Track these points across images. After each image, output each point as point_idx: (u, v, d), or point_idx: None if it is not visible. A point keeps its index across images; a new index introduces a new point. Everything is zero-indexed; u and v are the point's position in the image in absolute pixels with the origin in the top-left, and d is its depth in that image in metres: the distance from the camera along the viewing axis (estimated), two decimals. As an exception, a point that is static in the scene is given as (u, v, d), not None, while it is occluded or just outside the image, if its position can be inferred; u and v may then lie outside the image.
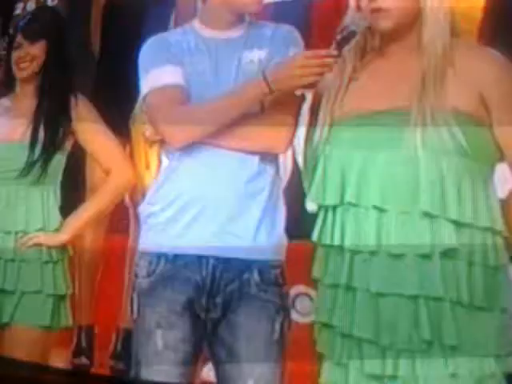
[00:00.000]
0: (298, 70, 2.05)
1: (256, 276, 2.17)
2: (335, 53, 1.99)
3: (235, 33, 2.25)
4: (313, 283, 2.08)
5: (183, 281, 2.17)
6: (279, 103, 2.16)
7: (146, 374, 2.23)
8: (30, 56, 2.79)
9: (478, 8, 2.93)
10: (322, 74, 2.03)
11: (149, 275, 2.21)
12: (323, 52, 2.02)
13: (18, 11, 3.67)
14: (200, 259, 2.16)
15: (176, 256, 2.18)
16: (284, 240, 2.25)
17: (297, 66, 2.05)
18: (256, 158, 2.17)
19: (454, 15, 1.95)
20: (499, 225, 1.90)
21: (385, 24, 1.93)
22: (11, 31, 3.28)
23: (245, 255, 2.16)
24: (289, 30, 2.27)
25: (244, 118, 2.15)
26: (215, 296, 2.17)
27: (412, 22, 1.94)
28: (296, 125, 2.19)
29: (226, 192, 2.15)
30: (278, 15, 3.14)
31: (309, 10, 3.31)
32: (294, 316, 2.76)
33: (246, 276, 2.16)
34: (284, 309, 2.21)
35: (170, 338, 2.17)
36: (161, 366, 2.18)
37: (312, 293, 2.59)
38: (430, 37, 1.91)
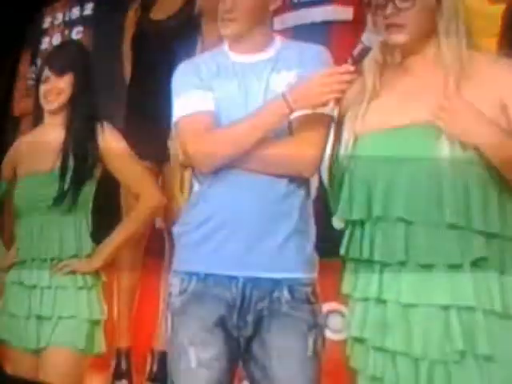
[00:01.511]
0: (317, 88, 2.05)
1: (286, 294, 2.15)
2: (352, 69, 2.00)
3: (265, 55, 2.24)
4: (344, 300, 2.06)
5: (214, 299, 2.16)
6: (307, 124, 2.14)
7: None
8: (57, 89, 2.80)
9: (496, 22, 2.90)
10: (341, 91, 2.03)
11: (181, 293, 2.20)
12: (341, 69, 2.03)
13: (44, 45, 3.71)
14: (230, 278, 2.15)
15: (207, 275, 2.17)
16: (315, 258, 2.23)
17: (316, 84, 2.05)
18: (284, 180, 2.16)
19: (470, 28, 1.94)
20: None
21: (399, 39, 1.93)
22: (38, 64, 3.32)
23: (274, 274, 2.14)
24: (318, 51, 2.25)
25: (272, 141, 2.14)
26: (246, 314, 2.15)
27: (428, 36, 1.94)
28: (325, 146, 2.16)
29: (254, 213, 2.14)
30: (297, 39, 3.13)
31: (328, 32, 3.30)
32: (327, 333, 2.71)
33: (276, 294, 2.15)
34: (317, 326, 2.18)
35: (204, 355, 2.15)
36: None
37: (344, 309, 2.55)
38: (447, 50, 1.90)
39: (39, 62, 3.61)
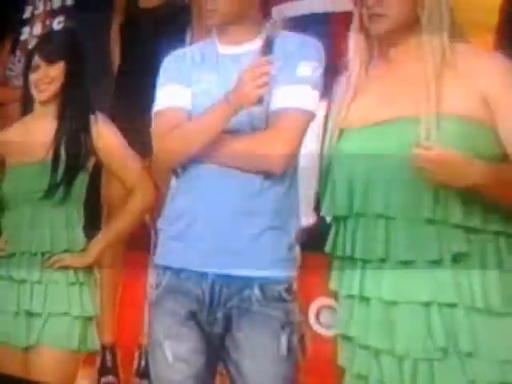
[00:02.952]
0: (249, 84, 2.16)
1: (257, 292, 2.26)
2: (269, 59, 2.15)
3: (250, 47, 2.34)
4: (335, 295, 2.15)
5: (185, 294, 2.30)
6: (283, 119, 2.25)
7: None
8: (49, 78, 2.89)
9: (493, 16, 3.07)
10: (267, 84, 2.16)
11: (156, 287, 2.36)
12: (259, 61, 2.17)
13: (25, 35, 3.80)
14: (201, 274, 2.28)
15: (179, 270, 2.31)
16: (292, 256, 2.33)
17: (247, 80, 2.16)
18: (259, 177, 2.27)
19: (455, 19, 2.04)
20: None
21: (380, 28, 2.03)
22: (19, 53, 3.44)
23: (244, 272, 2.26)
24: (303, 43, 2.33)
25: (244, 136, 2.26)
26: (216, 311, 2.28)
27: (411, 26, 2.03)
28: (298, 143, 2.27)
29: (227, 210, 2.25)
30: (297, 29, 3.29)
31: (327, 22, 3.44)
32: (318, 329, 2.87)
33: (246, 292, 2.26)
34: (291, 324, 2.28)
35: (179, 349, 2.29)
36: (173, 378, 2.30)
37: (335, 305, 2.70)
38: (428, 42, 1.99)
39: (18, 51, 3.73)
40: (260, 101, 2.19)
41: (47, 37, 3.35)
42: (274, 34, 2.19)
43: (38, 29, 3.81)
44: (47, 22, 3.81)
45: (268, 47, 2.17)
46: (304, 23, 3.39)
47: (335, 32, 3.26)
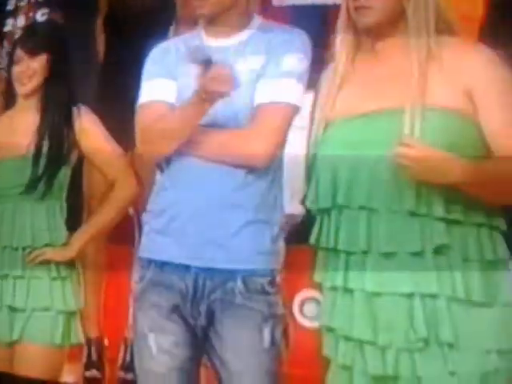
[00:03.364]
0: (212, 83, 2.18)
1: (240, 285, 2.29)
2: (219, 70, 2.18)
3: (236, 39, 2.36)
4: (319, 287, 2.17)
5: (169, 287, 2.33)
6: (268, 113, 2.27)
7: (143, 378, 2.40)
8: (31, 71, 2.90)
9: (478, 7, 3.11)
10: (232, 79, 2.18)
11: (140, 280, 2.39)
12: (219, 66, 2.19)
13: (8, 27, 3.82)
14: (184, 267, 2.32)
15: (163, 263, 2.35)
16: (276, 249, 2.36)
17: (210, 79, 2.18)
18: (242, 171, 2.30)
19: (444, 13, 2.07)
20: (496, 220, 2.00)
21: (366, 21, 2.05)
22: (6, 45, 3.45)
23: (227, 265, 2.29)
24: (288, 36, 2.35)
25: (229, 131, 2.29)
26: (199, 304, 2.31)
27: (397, 19, 2.05)
28: (281, 137, 2.30)
29: (209, 204, 2.29)
30: (297, 18, 3.29)
31: (328, 13, 3.42)
32: (302, 321, 2.89)
33: (229, 285, 2.29)
34: (274, 317, 2.32)
35: (163, 342, 2.33)
36: (158, 370, 2.34)
37: (319, 297, 2.73)
38: (414, 35, 2.01)
39: (6, 43, 3.73)
40: (235, 87, 2.19)
41: (30, 29, 3.37)
42: (206, 56, 2.21)
43: (21, 21, 3.81)
44: (31, 14, 3.81)
45: (206, 67, 2.18)
46: (304, 14, 3.40)
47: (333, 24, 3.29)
